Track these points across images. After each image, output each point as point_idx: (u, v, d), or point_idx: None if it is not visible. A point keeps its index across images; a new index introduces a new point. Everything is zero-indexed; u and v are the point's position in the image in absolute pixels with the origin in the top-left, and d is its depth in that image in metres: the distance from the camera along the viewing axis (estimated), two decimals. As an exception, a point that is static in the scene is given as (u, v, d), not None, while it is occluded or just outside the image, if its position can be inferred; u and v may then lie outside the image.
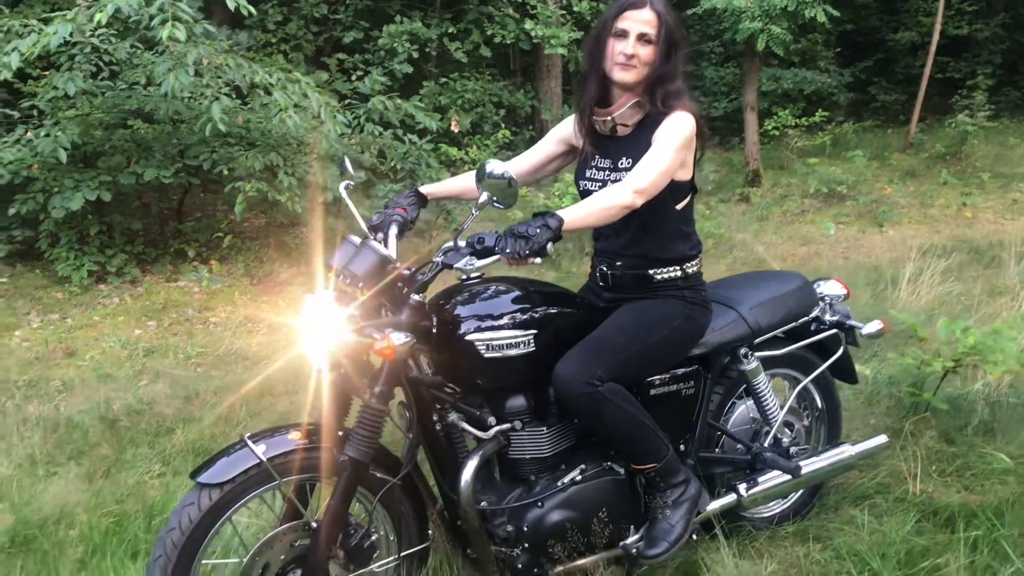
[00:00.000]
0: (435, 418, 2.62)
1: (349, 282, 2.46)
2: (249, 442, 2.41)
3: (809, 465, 3.08)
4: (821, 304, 3.24)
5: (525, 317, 2.60)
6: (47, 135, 6.34)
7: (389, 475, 2.56)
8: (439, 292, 2.71)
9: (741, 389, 3.13)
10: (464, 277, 2.55)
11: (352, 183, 2.84)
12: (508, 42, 10.49)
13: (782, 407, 3.13)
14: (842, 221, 8.80)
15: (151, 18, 5.63)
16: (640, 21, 2.60)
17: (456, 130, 9.59)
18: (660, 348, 2.75)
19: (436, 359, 2.62)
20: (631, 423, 2.65)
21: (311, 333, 2.42)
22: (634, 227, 2.73)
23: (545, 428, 2.69)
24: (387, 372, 2.45)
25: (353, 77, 9.55)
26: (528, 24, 9.84)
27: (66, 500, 3.46)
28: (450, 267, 2.45)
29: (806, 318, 3.17)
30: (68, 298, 6.65)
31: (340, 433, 2.50)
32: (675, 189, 2.68)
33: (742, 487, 3.00)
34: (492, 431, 2.61)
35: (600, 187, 2.73)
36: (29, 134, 6.54)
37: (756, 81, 10.28)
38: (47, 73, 6.84)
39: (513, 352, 2.56)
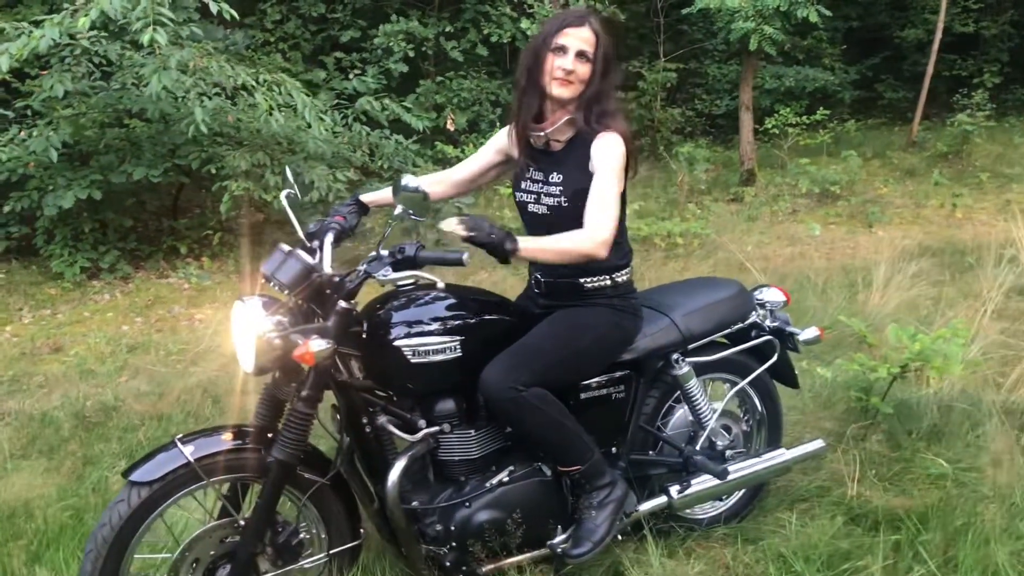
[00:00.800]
0: (365, 421, 2.71)
1: (278, 289, 2.56)
2: (179, 443, 2.51)
3: (740, 469, 3.14)
4: (760, 311, 3.30)
5: (454, 323, 2.69)
6: (39, 135, 6.48)
7: (318, 475, 2.65)
8: (376, 297, 2.79)
9: (678, 393, 3.20)
10: (401, 283, 2.64)
11: (293, 191, 2.93)
12: (505, 41, 10.57)
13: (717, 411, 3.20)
14: (833, 221, 8.82)
15: (138, 20, 5.74)
16: (579, 38, 2.67)
17: (452, 128, 9.68)
18: (587, 354, 2.83)
19: (366, 363, 2.71)
20: (555, 427, 2.73)
21: (239, 337, 2.52)
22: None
23: (473, 431, 2.78)
24: (313, 377, 2.54)
25: (351, 76, 9.66)
26: (524, 23, 9.89)
27: (29, 494, 3.58)
28: (371, 276, 2.54)
29: (742, 324, 3.23)
30: (60, 294, 6.80)
31: (270, 435, 2.59)
32: None
33: (674, 489, 3.07)
34: (420, 434, 2.70)
35: (534, 199, 2.82)
36: (23, 134, 6.69)
37: (751, 80, 10.29)
38: (45, 73, 6.99)
39: (438, 358, 2.64)
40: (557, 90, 2.68)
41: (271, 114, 6.29)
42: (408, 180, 2.47)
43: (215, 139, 7.08)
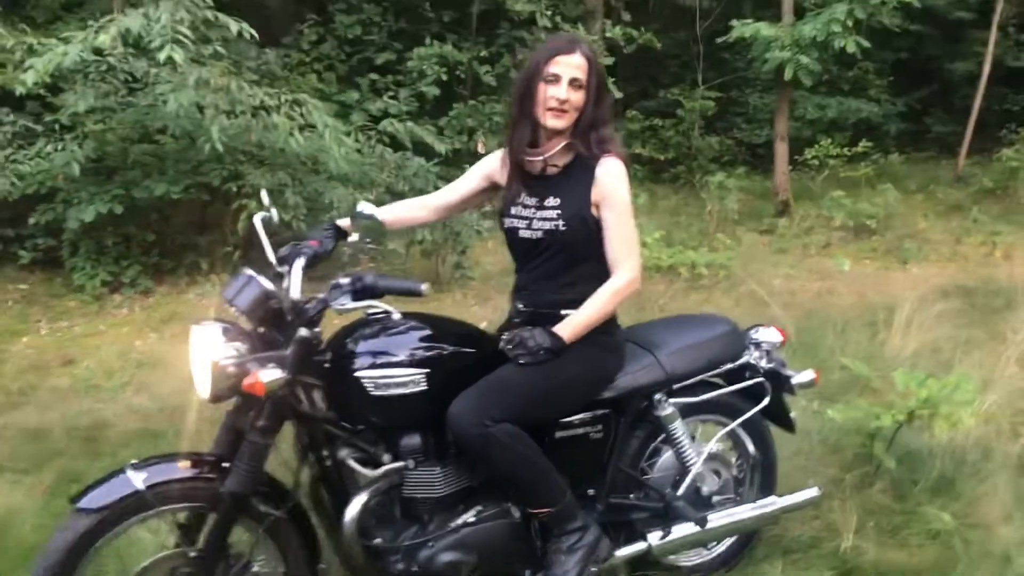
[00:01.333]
0: (326, 453, 2.63)
1: (237, 314, 2.50)
2: (129, 470, 2.45)
3: (723, 517, 3.00)
4: (753, 351, 3.16)
5: (421, 355, 2.60)
6: (63, 149, 6.57)
7: (274, 508, 2.57)
8: (345, 326, 2.71)
9: (664, 435, 3.07)
10: (369, 312, 2.56)
11: (268, 215, 2.87)
12: (539, 66, 10.48)
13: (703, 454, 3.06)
14: (867, 256, 8.59)
15: (159, 37, 5.79)
16: (571, 66, 2.60)
17: (482, 152, 9.63)
18: (563, 391, 2.72)
19: (329, 394, 2.63)
20: (524, 466, 2.62)
21: (196, 363, 2.46)
22: (550, 267, 2.74)
23: (439, 468, 2.67)
24: (269, 407, 2.46)
25: (385, 97, 9.68)
26: (559, 48, 9.81)
27: (10, 511, 3.55)
28: (328, 306, 2.46)
29: (732, 365, 3.09)
30: (79, 307, 6.84)
31: (226, 465, 2.52)
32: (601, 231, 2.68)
33: (654, 536, 2.94)
34: (381, 470, 2.61)
35: (526, 224, 2.74)
36: (49, 147, 6.79)
37: (787, 110, 10.12)
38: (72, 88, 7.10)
39: (401, 391, 2.56)
40: (552, 121, 2.61)
41: (292, 135, 6.29)
42: (363, 207, 2.41)
43: (237, 157, 7.10)
